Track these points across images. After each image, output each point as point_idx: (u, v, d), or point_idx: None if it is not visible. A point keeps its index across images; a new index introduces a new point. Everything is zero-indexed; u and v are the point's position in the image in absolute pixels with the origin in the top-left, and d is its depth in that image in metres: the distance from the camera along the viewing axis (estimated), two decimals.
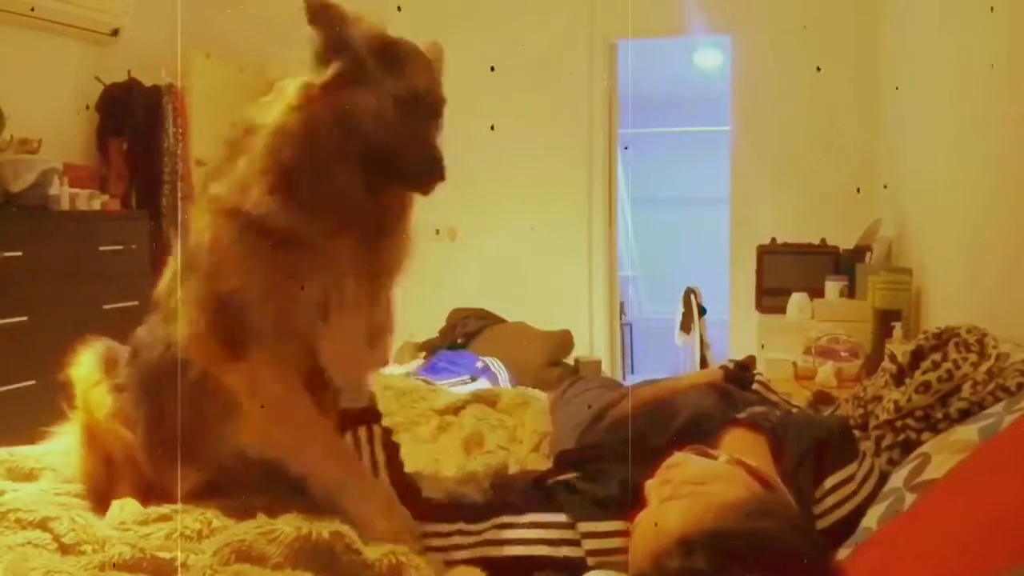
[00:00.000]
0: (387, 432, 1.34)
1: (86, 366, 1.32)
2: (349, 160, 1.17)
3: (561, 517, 1.09)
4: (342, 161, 1.17)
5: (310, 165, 1.17)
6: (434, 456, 1.59)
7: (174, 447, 1.22)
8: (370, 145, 1.17)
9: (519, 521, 1.10)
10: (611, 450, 1.25)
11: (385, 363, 1.71)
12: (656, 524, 0.98)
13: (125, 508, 1.22)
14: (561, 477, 1.18)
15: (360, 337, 1.29)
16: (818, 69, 3.46)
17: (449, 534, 1.12)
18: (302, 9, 1.16)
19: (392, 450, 1.31)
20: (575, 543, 1.08)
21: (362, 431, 1.30)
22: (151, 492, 1.26)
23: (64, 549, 1.09)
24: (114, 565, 1.02)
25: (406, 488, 1.23)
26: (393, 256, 1.30)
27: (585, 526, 1.07)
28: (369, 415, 1.36)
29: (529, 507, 1.12)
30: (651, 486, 1.05)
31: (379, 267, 1.28)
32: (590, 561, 1.07)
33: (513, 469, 1.45)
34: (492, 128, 4.09)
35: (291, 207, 1.15)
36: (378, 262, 1.27)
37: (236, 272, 1.15)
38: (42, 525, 1.13)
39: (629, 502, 1.07)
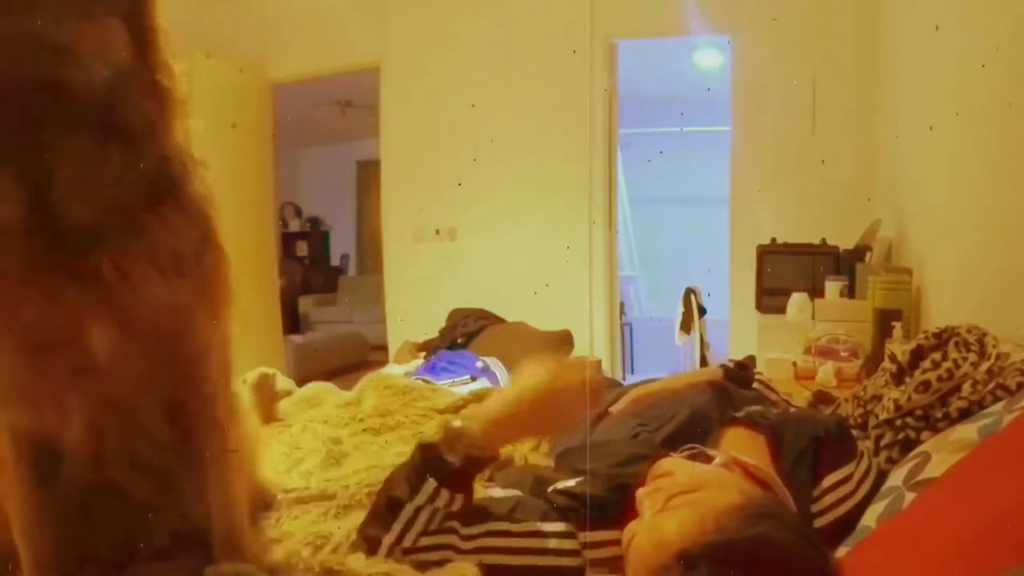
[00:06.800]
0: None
1: None
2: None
3: (560, 526, 1.08)
4: None
5: None
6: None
7: None
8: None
9: (515, 529, 1.08)
10: (611, 451, 1.25)
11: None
12: (652, 537, 0.96)
13: None
14: (560, 485, 1.16)
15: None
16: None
17: (444, 539, 1.09)
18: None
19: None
20: (575, 553, 1.07)
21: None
22: None
23: None
24: None
25: None
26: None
27: (586, 536, 1.07)
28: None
29: (527, 515, 1.10)
30: (642, 495, 1.04)
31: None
32: (590, 571, 1.06)
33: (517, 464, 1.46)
34: (492, 128, 4.09)
35: None
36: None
37: None
38: None
39: (628, 509, 1.05)
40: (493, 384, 2.25)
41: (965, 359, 1.28)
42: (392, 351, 4.10)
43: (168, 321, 0.92)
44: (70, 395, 0.91)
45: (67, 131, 0.79)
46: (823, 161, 3.60)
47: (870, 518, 1.04)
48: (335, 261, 8.44)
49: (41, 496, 0.95)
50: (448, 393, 1.97)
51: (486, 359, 2.47)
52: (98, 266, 0.85)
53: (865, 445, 1.28)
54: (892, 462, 1.22)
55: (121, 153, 0.83)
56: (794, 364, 2.49)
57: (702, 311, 4.27)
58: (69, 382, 0.90)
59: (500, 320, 3.71)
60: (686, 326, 4.31)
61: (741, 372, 1.63)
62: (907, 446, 1.24)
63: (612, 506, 1.08)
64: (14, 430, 0.92)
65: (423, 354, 3.13)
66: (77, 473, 0.96)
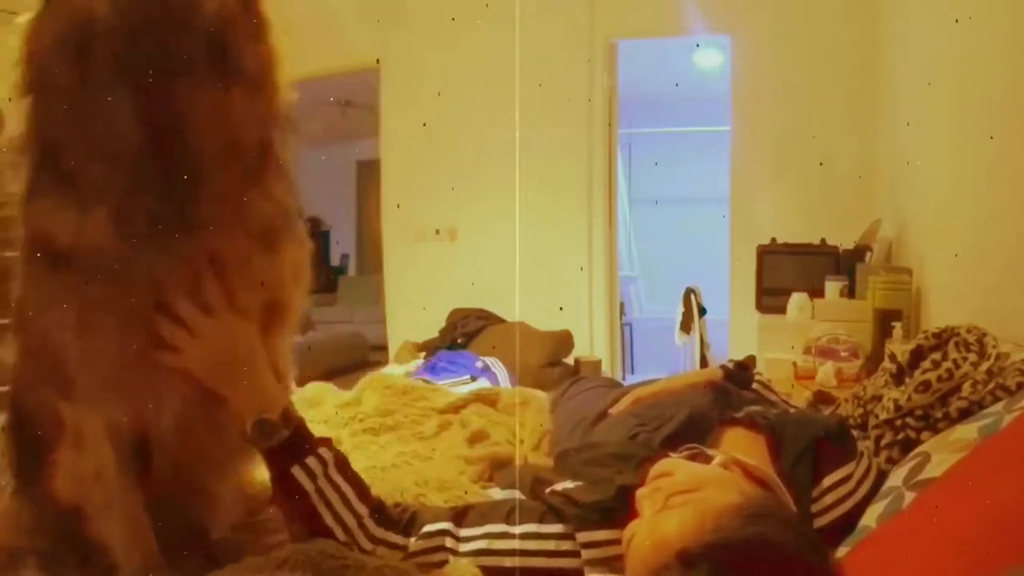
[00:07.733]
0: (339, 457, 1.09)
1: None
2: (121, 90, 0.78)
3: (559, 528, 1.08)
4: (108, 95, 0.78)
5: (73, 126, 0.79)
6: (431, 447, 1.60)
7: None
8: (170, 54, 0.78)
9: (514, 531, 1.08)
10: (610, 452, 1.24)
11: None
12: (652, 537, 0.96)
13: None
14: (559, 488, 1.16)
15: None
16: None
17: (438, 541, 1.08)
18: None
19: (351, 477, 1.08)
20: (573, 554, 1.07)
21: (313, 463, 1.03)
22: None
23: None
24: None
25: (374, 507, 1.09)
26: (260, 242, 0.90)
27: (584, 536, 1.06)
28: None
29: (526, 517, 1.09)
30: (642, 495, 1.03)
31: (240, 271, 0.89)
32: (588, 571, 1.06)
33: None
34: (492, 128, 4.09)
35: (59, 201, 0.80)
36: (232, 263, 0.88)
37: (27, 303, 0.87)
38: None
39: (627, 509, 1.05)
40: (493, 384, 2.25)
41: (965, 359, 1.28)
42: (392, 351, 4.10)
43: (265, 296, 0.94)
44: (165, 382, 0.90)
45: (189, 67, 0.79)
46: (821, 164, 3.61)
47: (870, 518, 1.04)
48: (335, 261, 8.45)
49: (139, 493, 0.93)
50: (448, 393, 1.97)
51: (486, 359, 2.47)
52: (209, 243, 0.85)
53: (865, 445, 1.28)
54: (892, 462, 1.22)
55: (242, 92, 0.83)
56: (794, 364, 2.49)
57: (702, 311, 4.27)
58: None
59: (500, 320, 3.71)
60: (686, 326, 4.32)
61: (741, 372, 1.62)
62: (907, 446, 1.24)
63: (611, 507, 1.08)
64: (111, 426, 0.90)
65: (423, 354, 3.13)
66: (164, 466, 0.95)
